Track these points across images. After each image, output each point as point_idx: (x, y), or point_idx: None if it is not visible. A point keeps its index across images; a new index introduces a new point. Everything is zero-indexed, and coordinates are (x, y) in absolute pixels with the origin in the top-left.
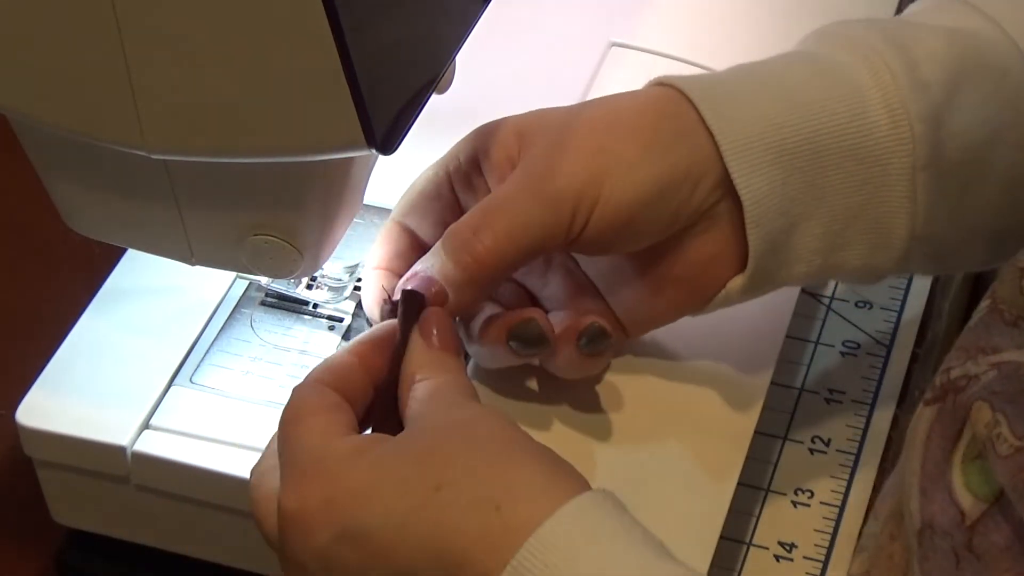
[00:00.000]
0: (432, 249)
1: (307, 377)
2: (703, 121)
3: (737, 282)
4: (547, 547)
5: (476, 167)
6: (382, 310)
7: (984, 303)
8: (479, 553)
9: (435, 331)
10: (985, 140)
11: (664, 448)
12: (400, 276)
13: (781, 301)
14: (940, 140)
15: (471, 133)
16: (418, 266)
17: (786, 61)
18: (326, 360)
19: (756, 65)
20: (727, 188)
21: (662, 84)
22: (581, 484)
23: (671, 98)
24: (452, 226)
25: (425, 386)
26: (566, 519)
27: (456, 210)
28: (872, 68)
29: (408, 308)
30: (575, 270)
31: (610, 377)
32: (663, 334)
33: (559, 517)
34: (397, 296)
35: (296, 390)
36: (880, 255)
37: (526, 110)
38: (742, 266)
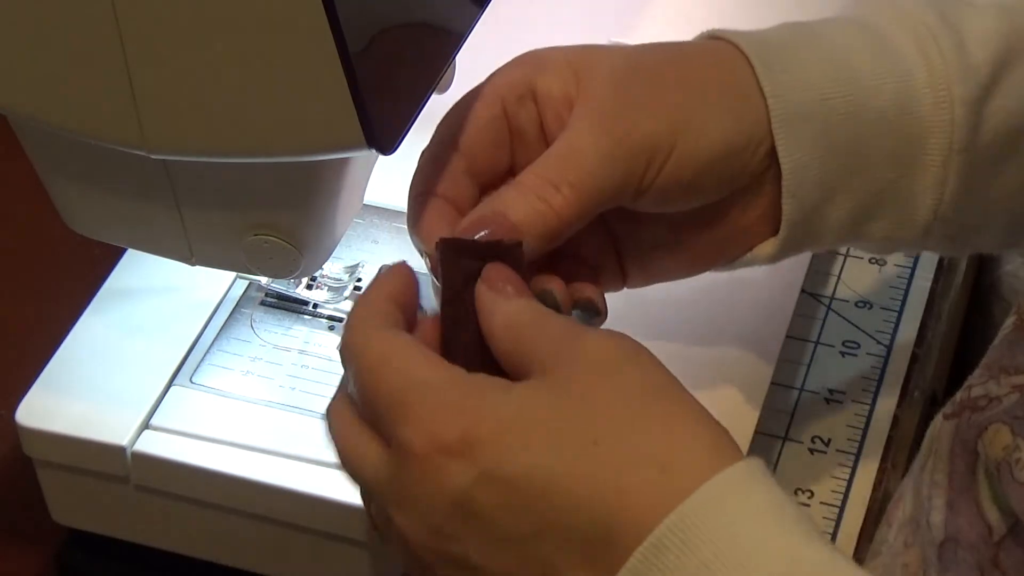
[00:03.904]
0: (498, 195)
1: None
2: (760, 86)
3: (766, 248)
4: (708, 514)
5: (532, 96)
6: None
7: (1010, 319)
8: (639, 513)
9: (508, 286)
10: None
11: None
12: (458, 206)
13: (781, 301)
14: (979, 124)
15: (517, 62)
16: (484, 210)
17: (839, 25)
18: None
19: (808, 25)
20: (775, 156)
21: (717, 38)
22: (736, 446)
23: (732, 56)
24: (526, 176)
25: (537, 330)
26: (726, 486)
27: (508, 140)
28: (921, 46)
29: (451, 258)
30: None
31: None
32: (662, 333)
33: (718, 484)
34: (477, 231)
35: (357, 310)
36: (902, 231)
37: None
38: (772, 231)
